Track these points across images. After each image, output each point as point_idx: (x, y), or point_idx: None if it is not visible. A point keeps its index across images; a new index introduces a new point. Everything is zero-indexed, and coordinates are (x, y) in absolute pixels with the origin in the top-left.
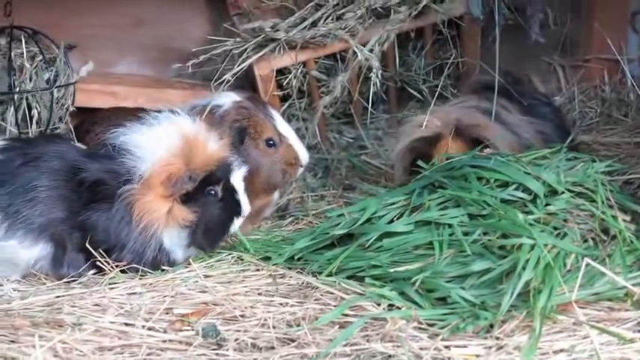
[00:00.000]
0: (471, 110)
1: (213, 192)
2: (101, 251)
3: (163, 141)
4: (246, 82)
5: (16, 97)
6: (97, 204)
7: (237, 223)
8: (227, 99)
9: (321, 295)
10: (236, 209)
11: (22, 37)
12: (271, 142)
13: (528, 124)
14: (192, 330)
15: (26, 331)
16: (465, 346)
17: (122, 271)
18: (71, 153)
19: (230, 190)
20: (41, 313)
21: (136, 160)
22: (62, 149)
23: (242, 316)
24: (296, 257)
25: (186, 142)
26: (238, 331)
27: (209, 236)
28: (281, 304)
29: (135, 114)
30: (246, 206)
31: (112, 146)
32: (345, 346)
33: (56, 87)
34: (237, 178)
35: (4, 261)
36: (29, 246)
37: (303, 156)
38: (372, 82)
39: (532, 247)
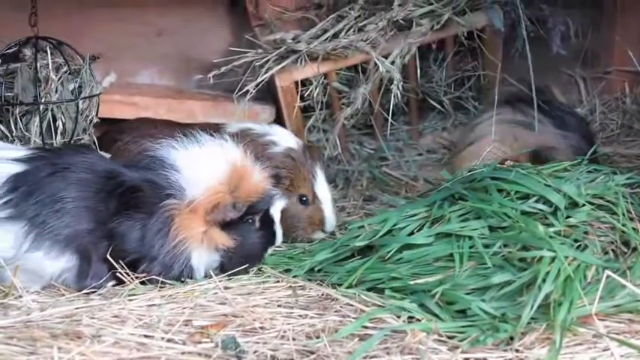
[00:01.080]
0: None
1: (250, 220)
2: (127, 261)
3: (213, 167)
4: (267, 93)
5: (41, 107)
6: (130, 212)
7: (269, 252)
8: (283, 142)
9: (341, 306)
10: (271, 239)
11: (47, 47)
12: (304, 200)
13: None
14: (212, 342)
15: (45, 343)
16: (484, 359)
17: (142, 283)
18: (102, 163)
19: (268, 221)
20: (60, 324)
21: (182, 180)
22: (91, 159)
23: (261, 327)
24: (316, 269)
25: (235, 171)
26: (257, 343)
27: (243, 263)
28: (300, 315)
29: (161, 124)
30: (280, 237)
31: (154, 158)
32: (364, 358)
33: (82, 98)
34: (277, 210)
35: (29, 272)
36: (55, 257)
37: (330, 223)
38: (392, 94)
39: (552, 259)
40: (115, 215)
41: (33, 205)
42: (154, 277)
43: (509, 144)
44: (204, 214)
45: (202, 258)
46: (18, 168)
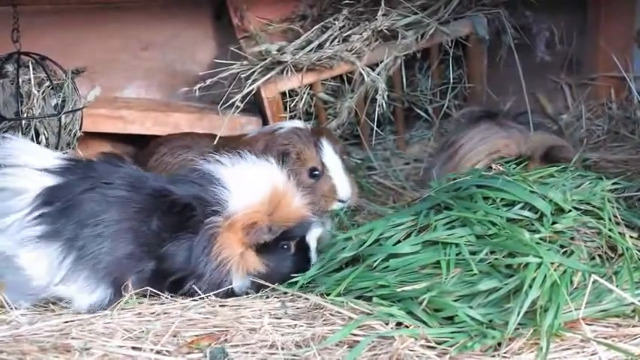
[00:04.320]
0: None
1: (286, 246)
2: (172, 280)
3: (256, 187)
4: (254, 105)
5: (23, 123)
6: (180, 231)
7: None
8: (290, 124)
9: (330, 315)
10: (305, 266)
11: (30, 63)
12: (315, 173)
13: None
14: (201, 353)
15: (34, 357)
16: None
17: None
18: (145, 179)
19: (304, 248)
20: (49, 338)
21: (228, 196)
22: (132, 175)
23: (251, 337)
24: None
25: (275, 194)
26: (247, 353)
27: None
28: (290, 325)
29: (200, 137)
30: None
31: (201, 172)
32: None
33: (64, 113)
34: (313, 237)
35: (56, 299)
36: (89, 292)
37: (342, 191)
38: (377, 104)
39: (539, 265)
40: (160, 235)
41: (71, 225)
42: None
43: (516, 142)
44: (242, 233)
45: (239, 282)
46: (50, 180)
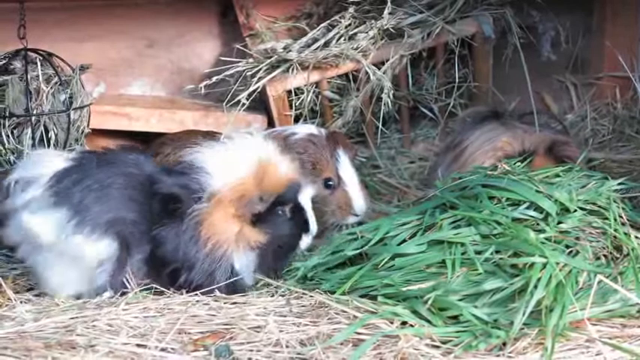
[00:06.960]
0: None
1: (281, 212)
2: (168, 272)
3: (238, 161)
4: (259, 103)
5: (33, 119)
6: (167, 219)
7: (305, 241)
8: (304, 130)
9: (335, 313)
10: (304, 227)
11: (37, 59)
12: (329, 184)
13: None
14: (206, 350)
15: (39, 353)
16: None
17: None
18: (147, 163)
19: (299, 210)
20: (54, 334)
21: (208, 178)
22: (137, 158)
23: (255, 335)
24: (309, 276)
25: (260, 164)
26: (251, 350)
27: (278, 255)
28: (294, 323)
29: (204, 135)
30: (314, 224)
31: (185, 163)
32: None
33: (73, 109)
34: (305, 198)
35: (69, 258)
36: (95, 240)
37: (358, 205)
38: (383, 102)
39: (544, 265)
40: (156, 217)
41: (79, 193)
42: (196, 287)
43: (520, 139)
44: (232, 210)
45: (243, 261)
46: (66, 164)
